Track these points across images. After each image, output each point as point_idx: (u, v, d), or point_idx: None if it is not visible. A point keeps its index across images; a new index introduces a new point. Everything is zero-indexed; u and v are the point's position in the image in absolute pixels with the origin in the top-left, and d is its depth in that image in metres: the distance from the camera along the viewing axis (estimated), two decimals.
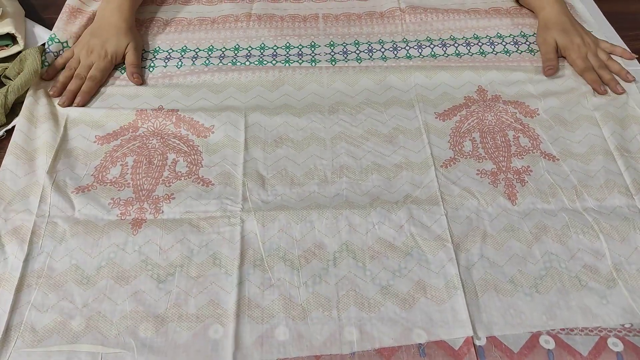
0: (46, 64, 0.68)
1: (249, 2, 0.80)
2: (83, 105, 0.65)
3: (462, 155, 0.60)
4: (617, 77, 0.70)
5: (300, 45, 0.73)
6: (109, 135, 0.61)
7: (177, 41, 0.73)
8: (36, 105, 0.62)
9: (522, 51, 0.73)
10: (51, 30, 0.74)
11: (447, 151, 0.61)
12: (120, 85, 0.67)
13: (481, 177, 0.58)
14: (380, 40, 0.74)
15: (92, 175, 0.57)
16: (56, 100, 0.65)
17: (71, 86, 0.66)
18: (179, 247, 0.51)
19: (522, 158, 0.60)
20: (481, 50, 0.73)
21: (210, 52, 0.72)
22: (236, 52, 0.72)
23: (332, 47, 0.73)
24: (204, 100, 0.66)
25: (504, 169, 0.59)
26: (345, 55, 0.72)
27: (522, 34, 0.76)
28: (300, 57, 0.72)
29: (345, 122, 0.63)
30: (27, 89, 0.64)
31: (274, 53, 0.72)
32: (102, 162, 0.58)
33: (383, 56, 0.72)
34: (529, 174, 0.58)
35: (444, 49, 0.73)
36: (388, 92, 0.67)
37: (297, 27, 0.76)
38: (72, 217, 0.53)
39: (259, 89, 0.67)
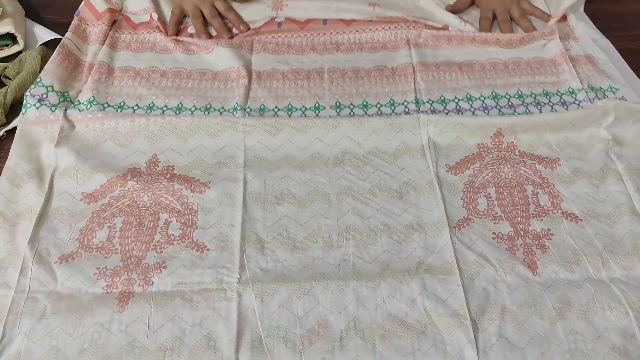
0: (28, 105, 0.62)
1: (248, 51, 0.74)
2: (249, 29, 0.76)
3: (476, 215, 0.56)
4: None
5: (304, 107, 0.67)
6: (96, 192, 0.56)
7: (172, 97, 0.67)
8: (20, 163, 0.58)
9: (544, 113, 0.67)
10: (51, 30, 0.74)
11: (460, 210, 0.56)
12: (109, 129, 0.62)
13: (497, 241, 0.54)
14: (391, 102, 0.68)
15: (77, 239, 0.52)
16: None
17: (217, 24, 0.76)
18: (170, 327, 0.46)
19: (542, 220, 0.56)
20: (500, 113, 0.66)
21: (207, 112, 0.66)
22: (234, 112, 0.65)
23: (338, 110, 0.66)
24: (202, 148, 0.61)
25: (521, 232, 0.55)
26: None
27: (545, 92, 0.69)
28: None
29: (351, 176, 0.59)
30: (26, 90, 0.64)
31: (275, 116, 0.65)
32: (88, 224, 0.54)
33: None
34: (550, 238, 0.54)
35: (460, 112, 0.66)
36: (398, 136, 0.62)
37: (300, 87, 0.69)
38: (55, 292, 0.48)
39: (259, 131, 0.62)
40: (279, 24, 0.77)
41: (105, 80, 0.69)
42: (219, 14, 0.78)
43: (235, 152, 0.61)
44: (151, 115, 0.63)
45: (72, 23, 0.73)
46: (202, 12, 0.77)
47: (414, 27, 0.77)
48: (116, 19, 0.77)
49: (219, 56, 0.72)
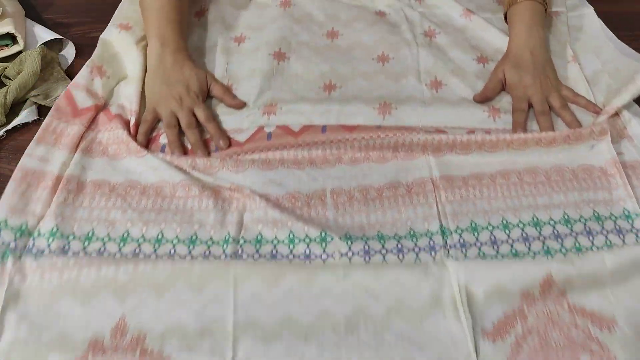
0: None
1: (233, 169, 0.60)
2: (231, 145, 0.62)
3: None
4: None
5: (307, 237, 0.54)
6: None
7: (152, 224, 0.55)
8: None
9: (598, 247, 0.54)
10: (51, 30, 0.73)
11: None
12: (69, 280, 0.50)
13: None
14: (411, 232, 0.55)
15: None
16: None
17: (193, 138, 0.62)
18: None
19: None
20: (546, 249, 0.54)
21: (192, 244, 0.54)
22: (225, 245, 0.54)
23: (348, 242, 0.54)
24: (182, 307, 0.49)
25: None
26: (367, 255, 0.53)
27: (596, 215, 0.57)
28: (307, 257, 0.53)
29: (368, 350, 0.47)
30: (27, 91, 0.65)
31: (274, 250, 0.54)
32: None
33: (417, 259, 0.54)
34: None
35: (495, 246, 0.54)
36: (424, 284, 0.50)
37: (300, 217, 0.56)
38: None
39: (254, 281, 0.50)
40: (269, 134, 0.63)
41: (73, 200, 0.57)
42: (198, 123, 0.64)
43: (223, 313, 0.49)
44: (121, 263, 0.51)
45: (43, 122, 0.61)
46: (178, 120, 0.64)
47: (431, 134, 0.63)
48: (98, 113, 0.65)
49: (201, 174, 0.60)
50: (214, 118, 0.64)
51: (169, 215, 0.55)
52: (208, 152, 0.62)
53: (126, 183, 0.58)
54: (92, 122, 0.64)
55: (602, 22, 0.78)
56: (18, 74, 0.66)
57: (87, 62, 0.68)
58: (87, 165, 0.60)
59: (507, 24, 0.75)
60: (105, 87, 0.67)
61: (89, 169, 0.59)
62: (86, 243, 0.53)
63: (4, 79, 0.68)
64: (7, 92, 0.64)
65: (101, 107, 0.65)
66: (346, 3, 0.81)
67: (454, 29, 0.78)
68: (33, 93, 0.66)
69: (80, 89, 0.65)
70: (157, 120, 0.65)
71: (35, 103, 0.66)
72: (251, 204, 0.56)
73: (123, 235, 0.54)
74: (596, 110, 0.66)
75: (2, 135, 0.63)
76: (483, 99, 0.68)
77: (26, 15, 0.77)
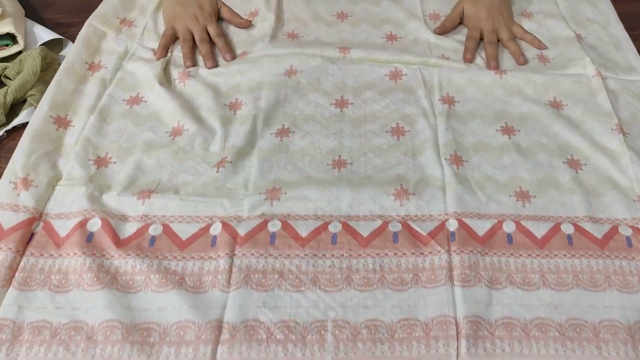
0: None
1: (224, 287, 0.50)
2: (235, 58, 0.71)
3: None
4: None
5: None
6: None
7: None
8: None
9: None
10: (51, 30, 0.74)
11: None
12: None
13: None
14: None
15: None
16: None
17: (205, 50, 0.71)
18: None
19: None
20: None
21: None
22: None
23: None
24: None
25: None
26: None
27: None
28: None
29: None
30: (26, 91, 0.65)
31: None
32: None
33: None
34: None
35: None
36: None
37: (291, 357, 0.46)
38: None
39: None
40: (272, 235, 0.54)
41: (8, 352, 0.45)
42: (210, 39, 0.73)
43: None
44: None
45: None
46: (192, 35, 0.73)
47: (457, 247, 0.54)
48: (33, 232, 0.53)
49: (173, 301, 0.49)
50: (223, 34, 0.73)
51: None
52: (216, 64, 0.70)
53: (71, 325, 0.47)
54: (27, 244, 0.52)
55: None
56: (18, 74, 0.66)
57: (5, 173, 0.56)
58: (25, 302, 0.48)
59: None
60: (37, 196, 0.55)
61: (27, 308, 0.48)
62: None
63: (4, 79, 0.67)
64: (7, 92, 0.64)
65: (35, 219, 0.53)
66: (357, 60, 0.73)
67: (476, 92, 0.70)
68: (31, 93, 0.66)
69: (3, 208, 0.53)
70: (174, 36, 0.73)
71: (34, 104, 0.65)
72: (227, 355, 0.46)
73: None
74: (541, 46, 0.74)
75: (2, 135, 0.63)
76: (442, 31, 0.76)
77: (26, 15, 0.76)
